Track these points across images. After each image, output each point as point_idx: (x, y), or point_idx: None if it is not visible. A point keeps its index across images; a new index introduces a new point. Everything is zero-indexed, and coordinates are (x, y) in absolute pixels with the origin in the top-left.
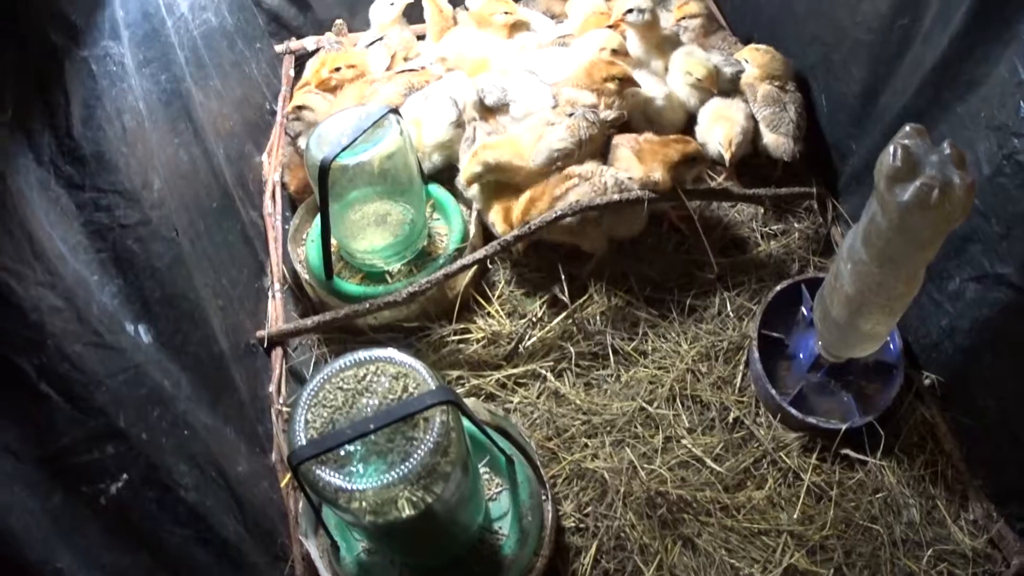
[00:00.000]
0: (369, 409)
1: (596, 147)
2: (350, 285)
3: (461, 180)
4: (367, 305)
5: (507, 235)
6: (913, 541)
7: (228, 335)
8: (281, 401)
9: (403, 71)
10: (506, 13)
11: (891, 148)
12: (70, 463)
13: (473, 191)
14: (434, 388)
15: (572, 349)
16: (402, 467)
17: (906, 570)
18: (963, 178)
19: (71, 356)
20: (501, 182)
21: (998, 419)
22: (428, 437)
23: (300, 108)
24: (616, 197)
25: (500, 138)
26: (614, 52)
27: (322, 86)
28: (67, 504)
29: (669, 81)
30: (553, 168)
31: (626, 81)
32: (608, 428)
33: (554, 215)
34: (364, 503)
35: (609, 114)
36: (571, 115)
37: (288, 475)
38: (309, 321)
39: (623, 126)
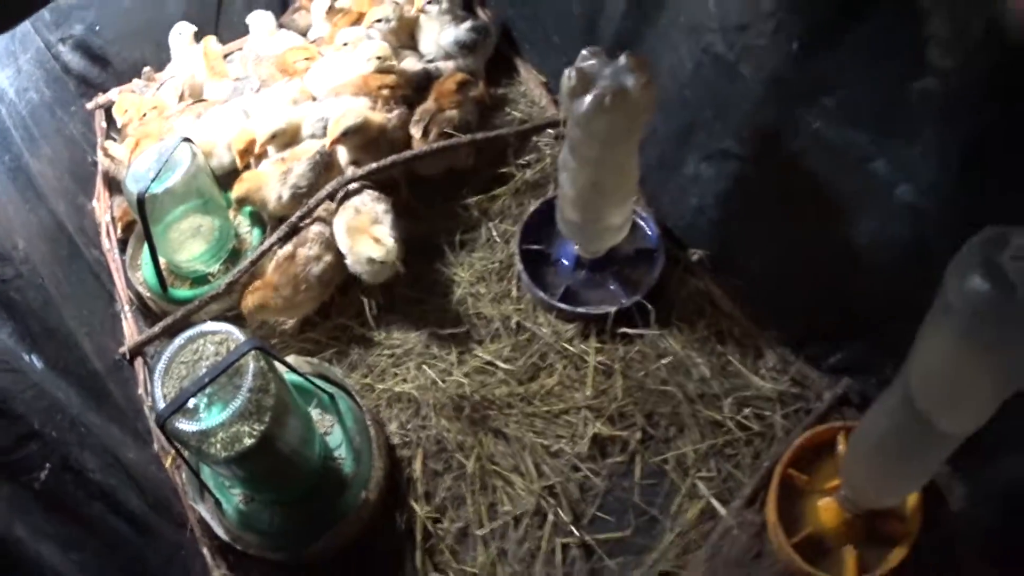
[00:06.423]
0: (204, 371)
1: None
2: (183, 291)
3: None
4: (197, 303)
5: (292, 217)
6: (710, 394)
7: (98, 355)
8: (149, 400)
9: (192, 103)
10: (307, 59)
11: (566, 72)
12: (9, 460)
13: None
14: (243, 340)
15: (366, 300)
16: (233, 404)
17: (710, 420)
18: (638, 79)
19: None
20: None
21: (765, 276)
22: (248, 378)
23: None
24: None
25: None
26: (379, 59)
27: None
28: (14, 491)
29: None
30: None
31: (397, 88)
32: (408, 355)
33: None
34: (217, 443)
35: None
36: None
37: (171, 456)
38: (157, 328)
39: None
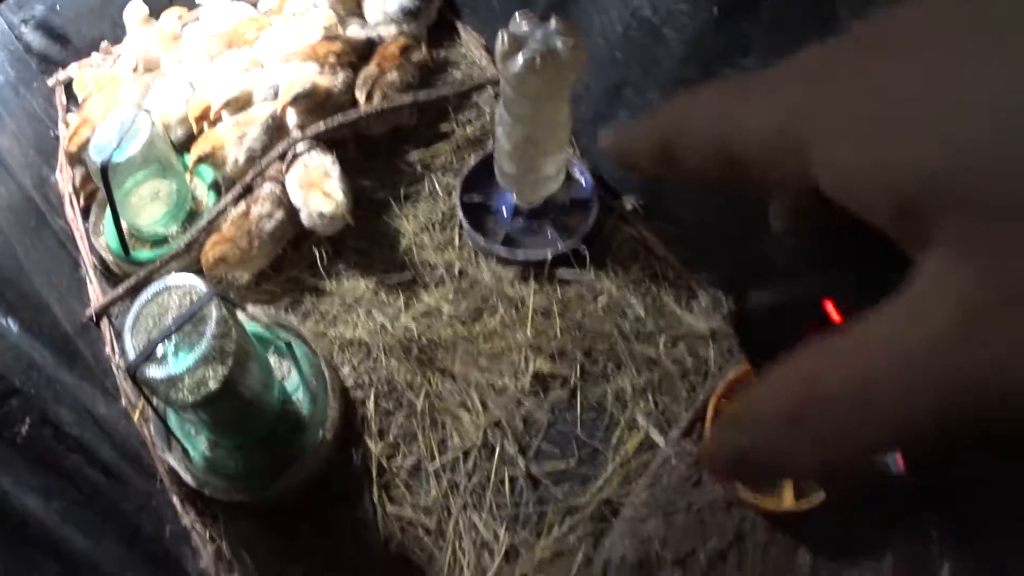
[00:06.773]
0: (170, 322)
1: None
2: (144, 253)
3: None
4: (158, 263)
5: (241, 182)
6: (645, 332)
7: (67, 318)
8: (117, 358)
9: (143, 73)
10: (259, 29)
11: (499, 35)
12: None
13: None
14: (205, 291)
15: (317, 252)
16: (198, 348)
17: (646, 356)
18: (566, 42)
19: None
20: None
21: (696, 222)
22: (211, 325)
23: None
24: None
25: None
26: (326, 28)
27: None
28: None
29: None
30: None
31: (343, 55)
32: (358, 302)
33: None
34: (184, 388)
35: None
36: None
37: (138, 410)
38: (120, 289)
39: None
